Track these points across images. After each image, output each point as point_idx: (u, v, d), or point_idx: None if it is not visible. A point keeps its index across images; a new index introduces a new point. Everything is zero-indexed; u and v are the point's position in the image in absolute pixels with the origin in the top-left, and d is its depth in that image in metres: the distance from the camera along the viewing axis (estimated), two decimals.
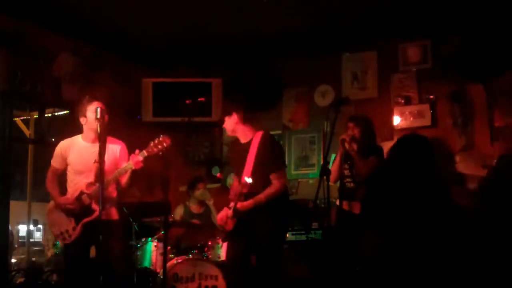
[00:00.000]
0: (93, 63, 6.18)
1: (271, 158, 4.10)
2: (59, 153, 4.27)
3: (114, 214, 4.24)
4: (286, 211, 4.22)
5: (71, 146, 4.25)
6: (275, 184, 4.07)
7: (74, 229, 4.09)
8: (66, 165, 4.24)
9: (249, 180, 3.85)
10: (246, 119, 4.23)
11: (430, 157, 2.91)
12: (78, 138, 4.29)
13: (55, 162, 4.29)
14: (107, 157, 4.14)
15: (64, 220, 4.13)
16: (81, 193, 4.09)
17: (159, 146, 3.96)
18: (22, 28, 5.44)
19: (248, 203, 4.01)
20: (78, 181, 4.14)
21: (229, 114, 4.20)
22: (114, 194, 4.26)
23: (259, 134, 4.19)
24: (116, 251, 4.11)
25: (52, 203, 4.26)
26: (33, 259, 7.38)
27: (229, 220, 4.11)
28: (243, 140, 4.23)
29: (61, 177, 4.31)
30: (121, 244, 4.23)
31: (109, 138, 4.26)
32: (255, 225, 4.02)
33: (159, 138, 3.99)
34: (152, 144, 3.99)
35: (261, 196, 4.02)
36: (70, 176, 4.23)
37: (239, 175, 4.15)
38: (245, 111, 4.25)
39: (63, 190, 4.26)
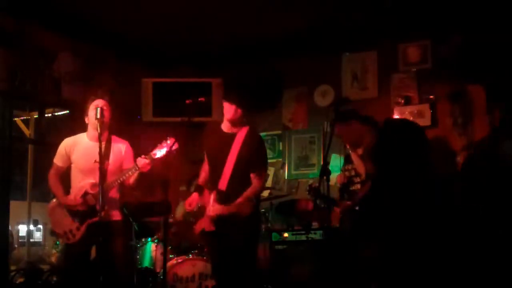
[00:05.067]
0: (93, 63, 6.19)
1: (256, 156, 4.06)
2: (63, 151, 4.22)
3: (117, 215, 4.22)
4: (259, 215, 4.23)
5: (75, 144, 4.21)
6: (255, 184, 4.05)
7: (78, 229, 4.07)
8: (70, 163, 4.21)
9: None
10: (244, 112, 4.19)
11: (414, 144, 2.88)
12: (82, 136, 4.25)
13: (58, 160, 4.24)
14: (112, 156, 4.15)
15: (68, 220, 4.11)
16: (86, 193, 4.06)
17: (167, 149, 3.95)
18: (22, 28, 5.44)
19: (229, 208, 3.98)
20: (82, 180, 4.11)
21: (232, 103, 4.12)
22: (117, 195, 4.24)
23: (245, 129, 4.14)
24: (118, 252, 4.11)
25: (54, 201, 4.22)
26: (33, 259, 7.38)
27: (212, 208, 4.05)
28: (228, 130, 4.16)
29: (64, 176, 4.27)
30: (123, 245, 4.22)
31: (113, 137, 4.27)
32: (231, 230, 3.99)
33: (166, 140, 3.98)
34: (159, 146, 3.99)
35: (241, 200, 4.00)
36: (74, 174, 4.20)
37: (216, 166, 4.11)
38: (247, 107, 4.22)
39: (66, 188, 4.22)
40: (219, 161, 4.10)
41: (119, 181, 4.09)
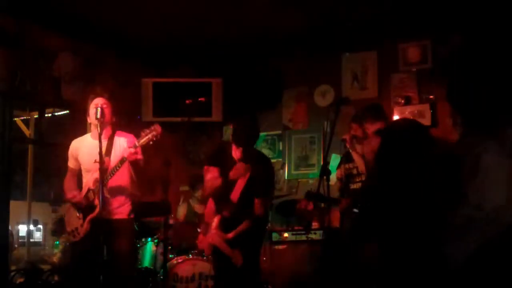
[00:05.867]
0: (93, 63, 6.19)
1: (262, 183, 4.12)
2: (71, 154, 4.33)
3: (122, 213, 4.21)
4: (266, 221, 4.34)
5: (80, 145, 4.29)
6: (256, 210, 4.10)
7: (82, 225, 4.11)
8: (79, 164, 4.29)
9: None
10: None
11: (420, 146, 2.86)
12: (87, 137, 4.33)
13: (70, 163, 4.35)
14: (114, 152, 4.17)
15: (75, 218, 4.17)
16: (88, 190, 4.12)
17: (150, 135, 3.94)
18: (22, 28, 5.44)
19: (230, 235, 4.06)
20: (88, 179, 4.17)
21: (238, 146, 4.16)
22: (125, 193, 4.23)
23: (253, 159, 4.17)
24: (121, 252, 4.10)
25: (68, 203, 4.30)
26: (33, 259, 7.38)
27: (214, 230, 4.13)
28: (238, 160, 4.18)
29: (79, 177, 4.35)
30: (126, 245, 4.19)
31: (118, 132, 4.31)
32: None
33: (150, 127, 3.98)
34: (143, 133, 3.97)
35: (241, 228, 4.07)
36: (83, 174, 4.28)
37: (224, 192, 4.15)
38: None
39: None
40: (227, 189, 4.14)
41: (113, 174, 4.06)
